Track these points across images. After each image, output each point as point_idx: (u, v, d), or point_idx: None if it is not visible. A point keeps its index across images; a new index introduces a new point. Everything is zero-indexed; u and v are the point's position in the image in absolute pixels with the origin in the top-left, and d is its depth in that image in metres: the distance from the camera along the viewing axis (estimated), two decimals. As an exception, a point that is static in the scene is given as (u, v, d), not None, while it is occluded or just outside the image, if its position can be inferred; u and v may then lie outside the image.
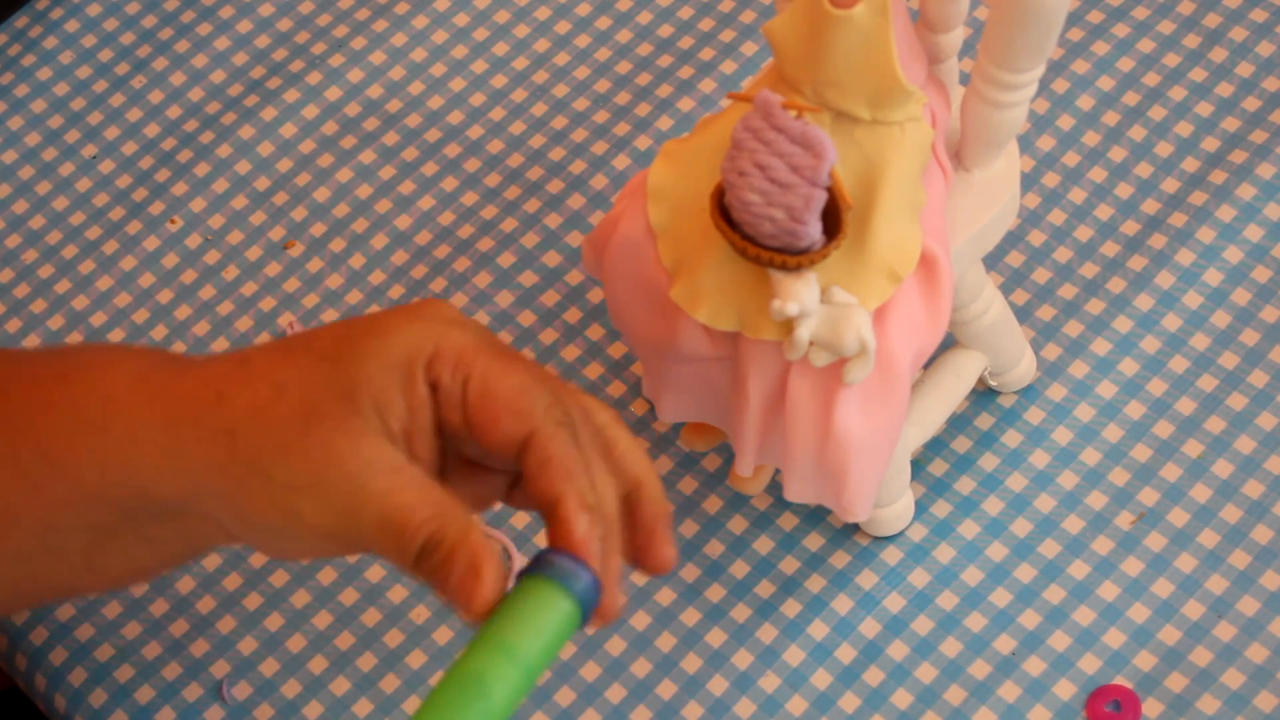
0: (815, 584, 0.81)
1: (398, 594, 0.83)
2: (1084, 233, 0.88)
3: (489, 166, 0.94)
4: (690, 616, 0.81)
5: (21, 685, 0.84)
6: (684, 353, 0.74)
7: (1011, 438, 0.84)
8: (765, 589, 0.81)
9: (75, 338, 0.91)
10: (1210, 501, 0.81)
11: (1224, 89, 0.92)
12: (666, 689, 0.80)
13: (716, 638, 0.81)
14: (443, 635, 0.82)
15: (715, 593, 0.82)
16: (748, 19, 0.97)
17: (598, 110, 0.95)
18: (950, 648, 0.79)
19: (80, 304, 0.92)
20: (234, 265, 0.93)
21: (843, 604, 0.81)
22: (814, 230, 0.67)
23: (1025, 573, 0.80)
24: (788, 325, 0.70)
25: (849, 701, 0.78)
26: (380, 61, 0.98)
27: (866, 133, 0.70)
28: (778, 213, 0.67)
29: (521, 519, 0.84)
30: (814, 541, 0.82)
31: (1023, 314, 0.86)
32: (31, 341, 0.91)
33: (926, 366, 0.82)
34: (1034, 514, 0.82)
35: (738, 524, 0.83)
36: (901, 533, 0.82)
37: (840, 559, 0.82)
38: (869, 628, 0.80)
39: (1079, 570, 0.80)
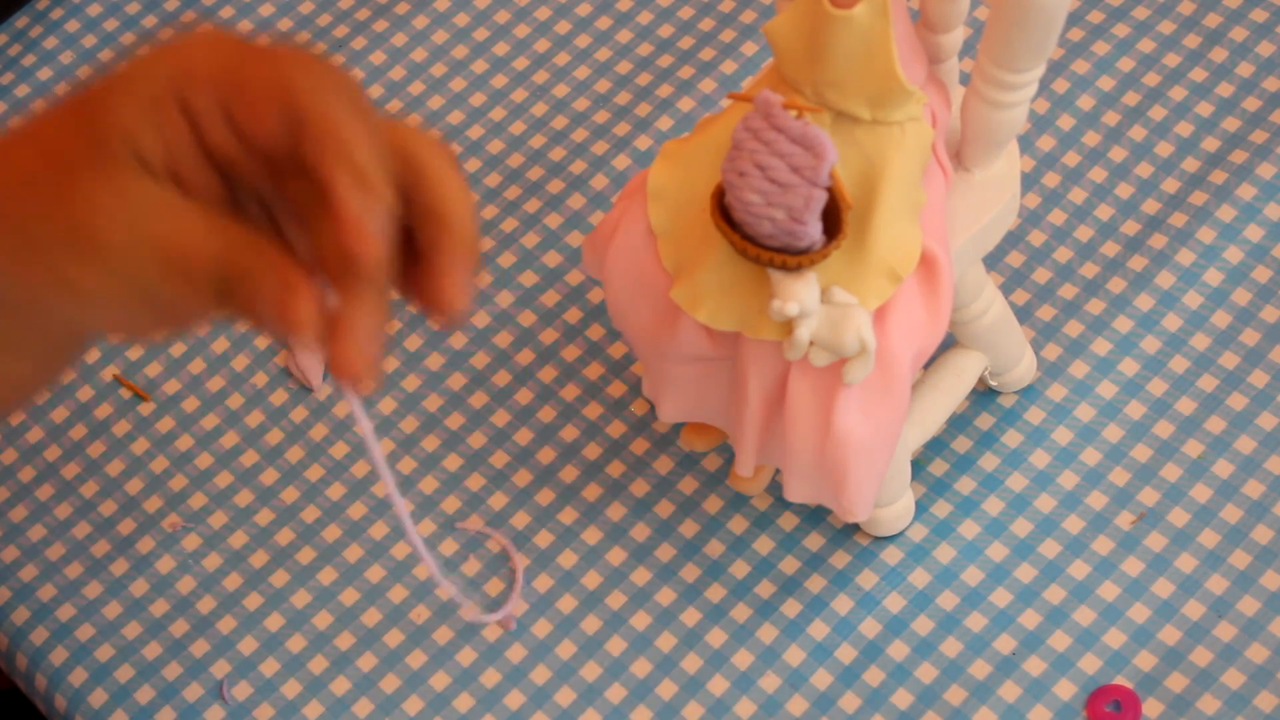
0: (815, 584, 0.81)
1: (398, 594, 0.83)
2: (1084, 233, 0.88)
3: (489, 166, 0.94)
4: (690, 616, 0.81)
5: (21, 685, 0.84)
6: (684, 353, 0.74)
7: (1012, 438, 0.84)
8: (765, 589, 0.81)
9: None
10: (1210, 501, 0.81)
11: (1224, 89, 0.92)
12: (667, 689, 0.80)
13: (717, 638, 0.80)
14: (443, 635, 0.82)
15: (715, 593, 0.81)
16: (748, 19, 0.97)
17: (598, 110, 0.95)
18: (950, 648, 0.79)
19: (80, 304, 0.92)
20: (234, 265, 0.93)
21: (843, 604, 0.81)
22: (814, 230, 0.67)
23: (1025, 573, 0.80)
24: (788, 325, 0.70)
25: (849, 701, 0.78)
26: (380, 61, 0.98)
27: (867, 133, 0.70)
28: (778, 213, 0.67)
29: (521, 519, 0.84)
30: (814, 541, 0.82)
31: (1023, 314, 0.86)
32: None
33: (927, 366, 0.82)
34: (1034, 514, 0.82)
35: (738, 524, 0.83)
36: (902, 533, 0.82)
37: (840, 559, 0.82)
38: (869, 628, 0.80)
39: (1079, 570, 0.80)
